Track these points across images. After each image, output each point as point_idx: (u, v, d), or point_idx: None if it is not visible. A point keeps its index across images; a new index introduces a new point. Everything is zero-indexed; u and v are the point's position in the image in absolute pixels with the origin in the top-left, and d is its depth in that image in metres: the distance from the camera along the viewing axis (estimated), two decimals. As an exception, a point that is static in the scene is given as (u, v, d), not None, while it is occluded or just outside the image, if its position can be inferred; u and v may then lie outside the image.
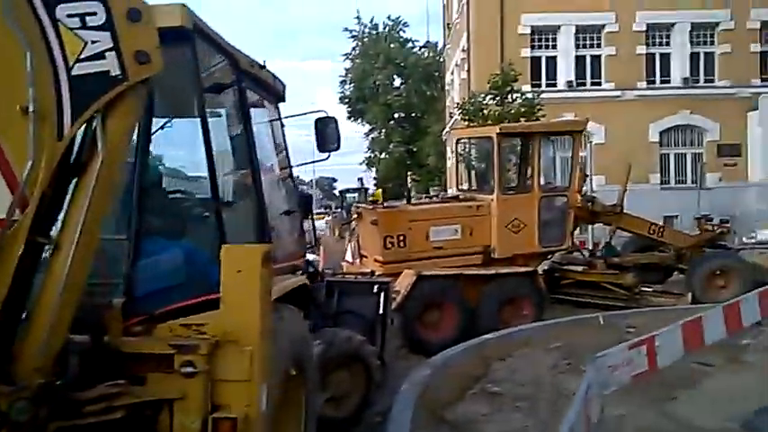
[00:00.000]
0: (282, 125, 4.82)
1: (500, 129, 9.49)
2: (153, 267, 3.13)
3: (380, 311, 6.53)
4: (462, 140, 10.73)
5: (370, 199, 9.34)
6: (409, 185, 38.66)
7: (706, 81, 23.75)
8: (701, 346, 3.87)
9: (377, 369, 5.79)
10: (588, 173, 10.12)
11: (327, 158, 4.83)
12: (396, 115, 41.02)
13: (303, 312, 4.22)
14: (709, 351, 6.27)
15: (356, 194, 35.59)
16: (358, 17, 40.40)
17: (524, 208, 9.31)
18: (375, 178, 58.15)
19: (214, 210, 3.32)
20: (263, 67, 4.23)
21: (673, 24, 23.41)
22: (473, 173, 10.68)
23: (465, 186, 10.85)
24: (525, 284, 9.06)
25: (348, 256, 9.76)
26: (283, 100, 4.79)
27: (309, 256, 14.83)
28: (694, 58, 23.70)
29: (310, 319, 5.63)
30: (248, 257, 2.85)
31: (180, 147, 3.74)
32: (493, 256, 9.27)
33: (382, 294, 6.56)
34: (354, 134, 45.16)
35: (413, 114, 40.99)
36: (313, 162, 5.03)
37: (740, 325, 3.99)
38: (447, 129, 29.61)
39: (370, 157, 45.50)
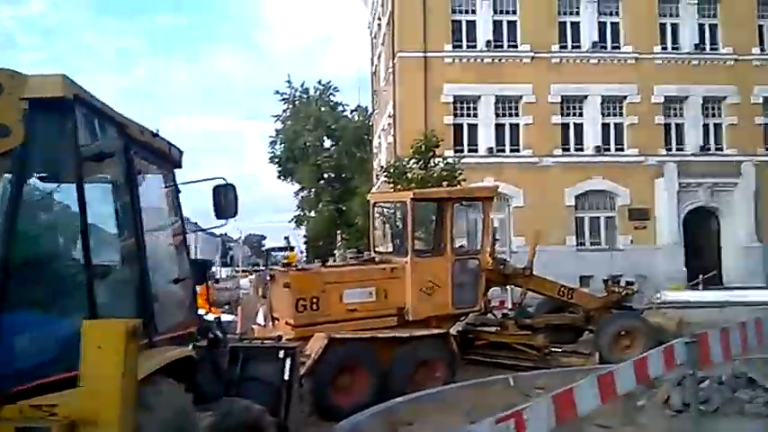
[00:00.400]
0: (178, 191, 4.79)
1: (413, 194, 9.74)
2: (11, 342, 2.99)
3: (286, 378, 6.39)
4: (379, 204, 10.95)
5: (283, 261, 9.26)
6: (339, 244, 38.78)
7: (617, 149, 25.29)
8: (573, 418, 3.97)
9: (276, 440, 5.61)
10: (497, 237, 10.42)
11: (225, 225, 4.81)
12: (325, 175, 41.42)
13: (188, 384, 4.09)
14: (604, 414, 6.48)
15: (283, 253, 35.28)
16: (289, 81, 41.15)
17: (438, 271, 9.47)
18: (305, 236, 57.91)
19: (85, 280, 3.23)
20: (156, 134, 4.24)
21: (585, 96, 24.98)
22: (389, 236, 10.84)
23: (383, 249, 10.97)
24: (438, 346, 9.12)
25: (260, 319, 9.60)
26: (179, 166, 4.79)
27: (226, 317, 14.45)
28: (605, 128, 25.26)
29: (208, 388, 5.48)
30: (110, 333, 2.77)
31: (55, 214, 3.65)
32: (407, 319, 9.31)
33: (288, 360, 6.44)
34: (284, 193, 45.30)
35: (342, 175, 41.46)
36: (209, 228, 4.98)
37: (614, 393, 4.13)
38: (374, 189, 30.04)
39: (299, 215, 45.53)
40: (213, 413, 5.05)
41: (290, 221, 47.28)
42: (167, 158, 4.59)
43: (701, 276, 21.58)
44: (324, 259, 10.06)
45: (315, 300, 8.72)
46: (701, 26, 25.77)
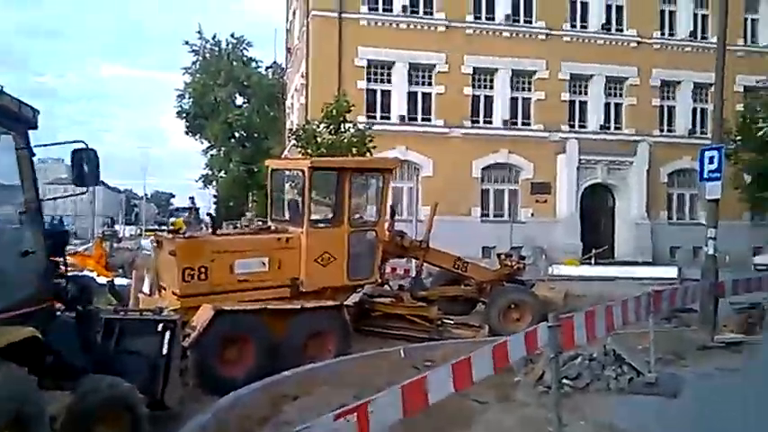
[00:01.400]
0: (32, 154, 4.35)
1: (311, 163, 9.51)
2: None
3: (164, 352, 6.11)
4: (277, 171, 10.62)
5: (170, 227, 8.82)
6: (250, 206, 37.91)
7: (523, 124, 25.92)
8: (423, 408, 3.98)
9: (145, 419, 5.35)
10: (395, 209, 10.39)
11: (85, 193, 4.43)
12: (236, 134, 40.14)
13: (34, 366, 3.77)
14: (481, 389, 6.63)
15: (186, 214, 34.10)
16: (199, 32, 39.27)
17: (333, 242, 9.33)
18: (215, 196, 56.27)
19: None
20: (0, 91, 3.79)
21: (496, 70, 25.31)
22: (285, 204, 10.58)
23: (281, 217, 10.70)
24: (331, 318, 9.02)
25: (146, 288, 9.16)
26: (35, 127, 4.35)
27: (120, 281, 13.72)
28: (514, 102, 25.79)
29: (73, 364, 5.13)
30: None
31: None
32: (301, 290, 9.16)
33: (168, 333, 6.15)
34: (197, 149, 43.61)
35: (255, 134, 40.38)
36: (69, 196, 4.58)
37: (470, 382, 4.17)
38: (286, 152, 29.44)
39: (207, 174, 44.09)
40: (73, 392, 4.76)
41: (197, 180, 45.80)
42: (16, 118, 4.14)
43: (593, 250, 22.71)
44: (215, 226, 9.59)
45: (203, 269, 8.37)
46: (608, 7, 26.63)
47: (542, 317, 9.07)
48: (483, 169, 25.30)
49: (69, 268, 13.47)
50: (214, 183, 44.73)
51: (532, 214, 25.48)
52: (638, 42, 26.69)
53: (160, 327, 6.16)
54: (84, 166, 4.41)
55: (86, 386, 4.94)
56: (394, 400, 3.50)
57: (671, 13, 27.62)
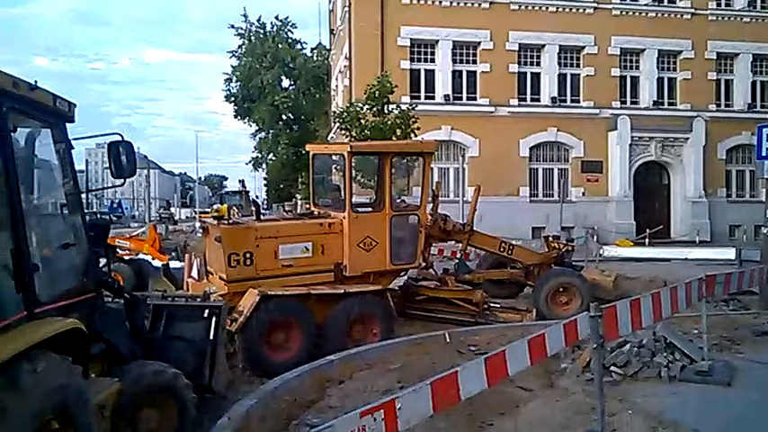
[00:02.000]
0: (71, 147, 4.45)
1: (351, 147, 9.45)
2: None
3: (211, 337, 6.23)
4: (318, 156, 10.63)
5: (214, 214, 8.95)
6: (300, 188, 38.27)
7: (572, 101, 25.22)
8: (454, 404, 3.90)
9: (192, 404, 5.48)
10: (437, 190, 10.22)
11: (123, 184, 4.51)
12: (283, 117, 40.44)
13: (78, 356, 3.89)
14: (527, 376, 6.53)
15: (237, 197, 34.69)
16: (245, 14, 39.52)
17: (376, 226, 9.31)
18: (265, 179, 57.05)
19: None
20: (35, 86, 3.86)
21: (543, 46, 24.66)
22: (327, 189, 10.59)
23: (323, 202, 10.75)
24: (374, 303, 9.03)
25: (194, 273, 9.35)
26: (71, 120, 4.43)
27: (174, 264, 14.04)
28: (562, 78, 25.10)
29: (122, 350, 5.29)
30: None
31: None
32: (344, 275, 9.19)
33: (213, 319, 6.27)
34: (243, 133, 44.26)
35: (301, 116, 40.59)
36: (106, 188, 4.68)
37: (506, 374, 4.07)
38: (332, 134, 29.57)
39: (256, 157, 44.63)
40: (121, 379, 4.90)
41: (247, 164, 46.41)
42: (53, 112, 4.22)
43: (647, 231, 22.06)
44: (258, 212, 9.69)
45: (248, 255, 8.49)
46: (661, -22, 25.53)
47: (591, 300, 8.88)
48: (531, 148, 24.80)
49: (126, 252, 13.90)
50: (264, 165, 45.29)
51: (583, 193, 24.88)
52: (693, 14, 25.52)
53: (206, 312, 6.29)
54: (122, 157, 4.48)
55: (133, 373, 5.08)
56: (423, 396, 3.44)
57: (728, -19, 26.32)
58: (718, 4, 26.00)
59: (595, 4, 24.80)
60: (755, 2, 26.03)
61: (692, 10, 25.49)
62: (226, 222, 8.60)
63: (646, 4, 25.26)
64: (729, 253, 16.50)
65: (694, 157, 25.11)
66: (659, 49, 25.39)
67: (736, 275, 7.95)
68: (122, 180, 4.54)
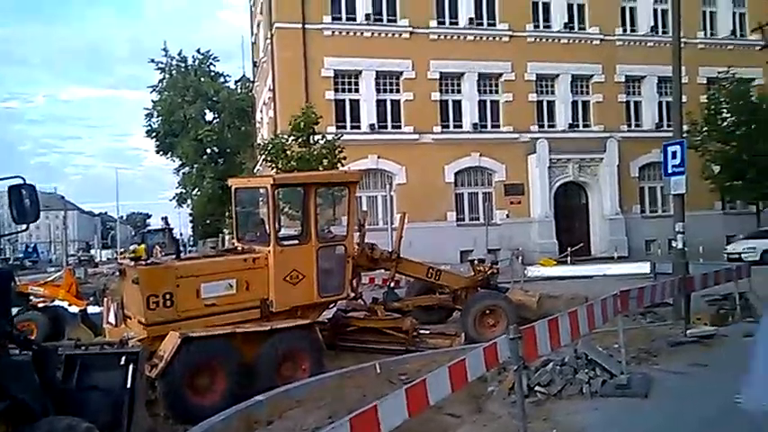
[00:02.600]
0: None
1: (274, 180, 9.36)
2: None
3: (128, 385, 5.94)
4: (241, 190, 10.48)
5: (130, 255, 8.59)
6: (227, 223, 37.50)
7: (493, 126, 26.01)
8: None
9: (106, 458, 5.18)
10: (361, 221, 10.25)
11: (26, 230, 4.27)
12: (208, 150, 39.81)
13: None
14: (455, 402, 6.55)
15: (160, 235, 33.57)
16: (165, 49, 38.92)
17: (302, 259, 9.21)
18: (190, 215, 55.62)
19: None
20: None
21: (463, 74, 25.39)
22: (251, 223, 10.44)
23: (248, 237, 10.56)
24: (303, 337, 8.87)
25: (111, 318, 8.94)
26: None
27: (93, 309, 13.38)
28: (482, 105, 25.89)
29: (32, 405, 4.95)
30: None
31: None
32: (271, 310, 9.01)
33: (131, 366, 5.98)
34: (166, 169, 43.40)
35: (227, 150, 40.07)
36: (9, 235, 4.42)
37: (427, 403, 4.08)
38: (258, 166, 29.27)
39: (181, 193, 43.63)
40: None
41: (171, 200, 45.30)
42: None
43: (569, 249, 22.82)
44: (179, 252, 9.42)
45: (168, 296, 8.19)
46: (570, 5, 26.90)
47: (517, 321, 9.06)
48: (456, 173, 25.32)
49: (41, 299, 13.17)
50: (189, 201, 44.30)
51: (507, 216, 25.56)
52: (601, 39, 26.99)
53: (123, 360, 6.00)
54: (25, 201, 4.26)
55: (43, 430, 4.77)
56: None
57: (631, 9, 28.01)
58: (624, 30, 27.59)
59: (511, 33, 25.82)
60: (657, 27, 27.77)
61: (601, 36, 26.95)
62: (143, 263, 8.30)
63: (558, 31, 26.50)
64: (645, 267, 17.33)
65: (609, 176, 26.32)
66: (572, 74, 26.64)
67: (649, 289, 8.31)
68: (25, 226, 4.31)
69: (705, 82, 27.46)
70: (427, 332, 10.70)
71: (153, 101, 39.63)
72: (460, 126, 25.61)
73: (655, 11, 27.98)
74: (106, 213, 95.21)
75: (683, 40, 12.58)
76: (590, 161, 26.40)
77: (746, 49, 27.18)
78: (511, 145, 25.70)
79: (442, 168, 24.84)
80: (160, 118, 39.46)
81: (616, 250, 24.48)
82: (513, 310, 10.95)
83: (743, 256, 21.81)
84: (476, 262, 12.18)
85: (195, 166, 40.20)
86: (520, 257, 20.14)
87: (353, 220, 9.92)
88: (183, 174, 41.94)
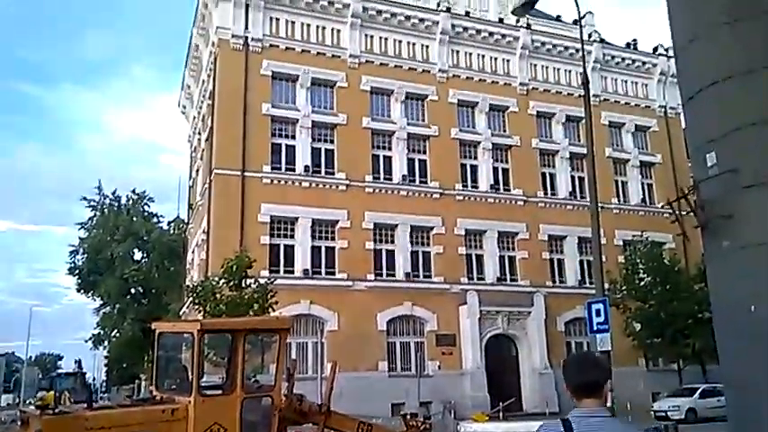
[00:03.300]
0: None
1: (201, 325, 9.03)
2: None
3: None
4: (165, 335, 10.02)
5: (37, 403, 7.85)
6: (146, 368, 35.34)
7: (425, 276, 26.50)
8: None
9: None
10: (290, 370, 9.87)
11: None
12: (132, 290, 38.40)
13: None
14: None
15: (71, 380, 31.22)
16: (99, 187, 38.71)
17: (225, 411, 8.66)
18: (106, 358, 52.24)
19: None
20: None
21: (396, 225, 26.23)
22: (172, 370, 9.89)
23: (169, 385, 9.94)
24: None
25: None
26: None
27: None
28: (414, 256, 26.53)
29: None
30: None
31: None
32: (189, 468, 8.29)
33: None
34: (87, 308, 41.30)
35: (153, 290, 38.80)
36: None
37: None
38: (184, 308, 28.37)
39: (98, 333, 41.23)
40: None
41: (86, 341, 42.64)
42: None
43: (500, 404, 22.51)
44: (92, 400, 8.72)
45: (74, 450, 7.47)
46: (495, 169, 28.91)
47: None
48: (388, 322, 25.22)
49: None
50: (106, 343, 41.86)
51: (439, 367, 25.29)
52: (525, 201, 28.80)
53: None
54: None
55: None
56: None
57: (551, 175, 30.31)
58: (545, 193, 29.61)
59: (441, 191, 27.24)
60: (575, 192, 29.99)
61: (525, 197, 28.79)
62: (50, 412, 7.62)
63: (485, 191, 28.16)
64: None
65: (537, 330, 26.83)
66: (499, 231, 27.94)
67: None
68: None
69: (621, 244, 29.38)
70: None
71: (80, 237, 38.59)
72: (393, 275, 25.97)
73: (572, 177, 30.41)
74: (13, 353, 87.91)
75: (599, 205, 13.60)
76: (518, 314, 26.97)
77: (656, 215, 29.59)
78: (442, 295, 26.09)
79: (375, 316, 24.74)
80: (85, 255, 38.22)
81: (547, 405, 24.31)
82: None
83: (668, 413, 22.12)
84: (408, 416, 11.77)
85: (117, 306, 38.46)
86: (452, 411, 19.67)
87: (282, 368, 9.56)
88: (104, 314, 39.93)
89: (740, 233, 2.81)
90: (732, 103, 2.81)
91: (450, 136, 28.06)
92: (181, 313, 30.56)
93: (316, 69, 26.26)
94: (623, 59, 32.81)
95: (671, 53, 32.26)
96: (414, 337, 25.89)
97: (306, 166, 25.30)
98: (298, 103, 25.94)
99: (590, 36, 31.06)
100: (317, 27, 26.90)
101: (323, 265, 25.08)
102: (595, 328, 11.34)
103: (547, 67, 31.06)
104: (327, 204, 25.12)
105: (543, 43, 30.78)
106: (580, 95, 23.79)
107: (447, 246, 26.79)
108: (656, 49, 33.77)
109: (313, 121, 25.87)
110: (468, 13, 29.97)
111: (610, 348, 11.23)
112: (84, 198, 38.35)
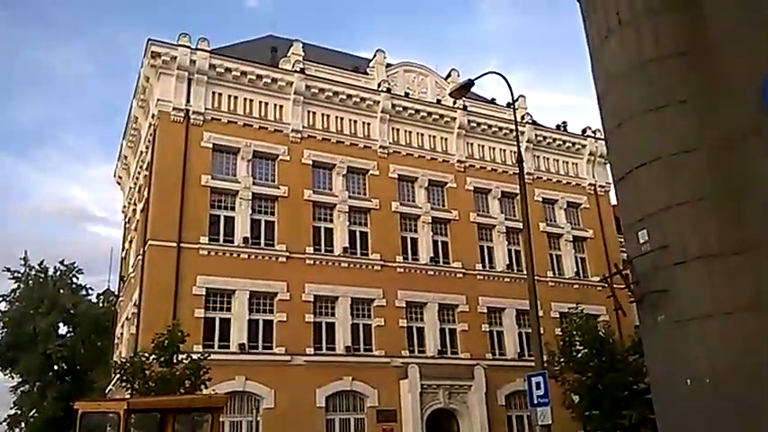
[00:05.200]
0: None
1: (128, 404, 8.54)
2: None
3: None
4: (88, 415, 9.39)
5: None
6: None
7: (365, 350, 26.12)
8: None
9: None
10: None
11: None
12: (55, 367, 36.10)
13: None
14: None
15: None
16: (24, 258, 36.85)
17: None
18: (21, 442, 48.37)
19: None
20: None
21: (337, 298, 25.96)
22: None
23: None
24: None
25: None
26: None
27: None
28: (355, 328, 26.20)
29: None
30: None
31: None
32: None
33: None
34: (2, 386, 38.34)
35: (77, 366, 36.59)
36: None
37: None
38: (110, 386, 26.82)
39: (15, 414, 38.26)
40: None
41: (1, 423, 39.41)
42: None
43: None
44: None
45: None
46: (435, 242, 29.33)
47: None
48: (327, 398, 24.49)
49: None
50: (23, 425, 38.78)
51: (379, 445, 24.56)
52: (464, 273, 29.18)
53: None
54: None
55: None
56: None
57: (489, 248, 30.94)
58: (483, 266, 30.10)
59: (382, 263, 27.30)
60: (512, 265, 30.64)
61: (464, 270, 29.18)
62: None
63: (425, 264, 28.41)
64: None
65: (478, 403, 26.60)
66: (439, 303, 28.04)
67: None
68: None
69: (558, 316, 29.94)
70: None
71: (0, 311, 36.32)
72: (333, 349, 25.47)
73: (509, 251, 31.14)
74: None
75: (535, 277, 13.93)
76: (459, 388, 26.73)
77: (590, 288, 30.47)
78: (383, 369, 25.67)
79: (314, 392, 24.01)
80: (4, 330, 35.91)
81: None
82: None
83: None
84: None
85: (38, 383, 35.99)
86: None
87: (217, 450, 9.09)
88: (22, 392, 37.20)
89: (674, 308, 2.92)
90: (661, 184, 2.99)
91: (391, 209, 28.44)
92: (107, 391, 28.88)
93: (258, 143, 26.41)
94: (554, 140, 34.47)
95: (599, 135, 34.28)
96: (354, 414, 25.18)
97: (245, 238, 24.96)
98: (238, 174, 25.86)
99: (523, 118, 32.69)
100: (260, 102, 27.25)
101: (260, 340, 24.37)
102: (536, 402, 11.35)
103: (483, 146, 32.28)
104: (266, 276, 24.71)
105: (479, 123, 32.10)
106: (514, 173, 24.79)
107: (388, 318, 26.62)
108: (584, 130, 35.70)
109: (254, 193, 25.76)
110: (407, 94, 31.07)
111: (550, 422, 11.22)
112: (8, 269, 36.39)
